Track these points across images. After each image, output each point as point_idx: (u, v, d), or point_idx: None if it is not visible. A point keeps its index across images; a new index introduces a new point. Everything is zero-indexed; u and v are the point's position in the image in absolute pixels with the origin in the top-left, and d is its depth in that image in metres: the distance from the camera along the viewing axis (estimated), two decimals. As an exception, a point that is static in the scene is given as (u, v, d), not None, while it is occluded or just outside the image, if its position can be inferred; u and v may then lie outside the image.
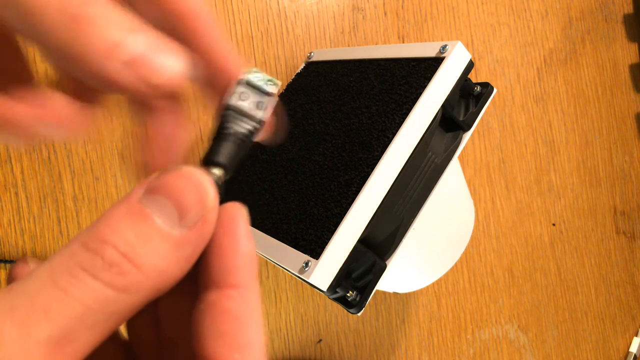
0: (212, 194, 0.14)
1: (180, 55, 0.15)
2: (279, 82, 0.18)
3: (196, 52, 0.17)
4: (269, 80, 0.18)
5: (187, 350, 0.16)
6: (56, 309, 0.12)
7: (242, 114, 0.17)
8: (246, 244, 0.15)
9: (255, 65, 0.49)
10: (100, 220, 0.13)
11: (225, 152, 0.17)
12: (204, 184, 0.14)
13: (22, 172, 0.42)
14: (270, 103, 0.18)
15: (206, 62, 0.17)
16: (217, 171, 0.17)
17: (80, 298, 0.12)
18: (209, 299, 0.14)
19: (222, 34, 0.17)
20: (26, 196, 0.42)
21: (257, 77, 0.18)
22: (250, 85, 0.18)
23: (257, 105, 0.18)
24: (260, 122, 0.18)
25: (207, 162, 0.17)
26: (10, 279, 0.16)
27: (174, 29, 0.16)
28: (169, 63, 0.14)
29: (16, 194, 0.42)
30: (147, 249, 0.13)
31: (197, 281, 0.15)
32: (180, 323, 0.16)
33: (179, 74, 0.15)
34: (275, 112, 0.18)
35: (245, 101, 0.17)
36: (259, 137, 0.18)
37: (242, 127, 0.17)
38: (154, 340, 0.17)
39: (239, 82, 0.18)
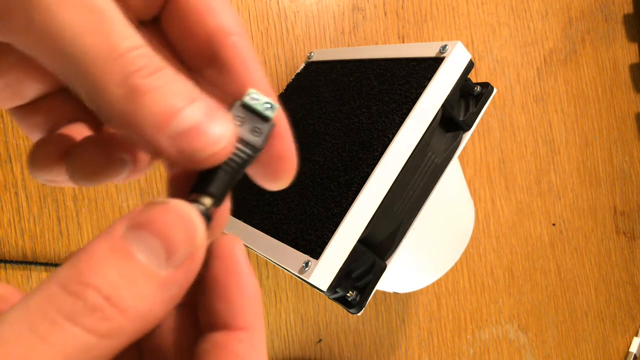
0: (201, 231, 0.14)
1: (228, 122, 0.15)
2: (278, 106, 0.16)
3: (223, 73, 0.16)
4: (266, 103, 0.16)
5: None
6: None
7: (237, 140, 0.16)
8: (252, 284, 0.14)
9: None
10: (80, 258, 0.12)
11: (217, 180, 0.15)
12: (194, 220, 0.13)
13: (22, 172, 0.42)
14: (268, 130, 0.16)
15: (233, 84, 0.17)
16: (206, 201, 0.15)
17: (60, 347, 0.11)
18: (216, 340, 0.14)
19: (253, 56, 0.17)
20: (26, 196, 0.42)
21: (255, 100, 0.16)
22: (247, 108, 0.16)
23: (253, 131, 0.16)
24: (256, 150, 0.16)
25: (197, 190, 0.15)
26: None
27: (206, 49, 0.16)
28: (220, 132, 0.14)
29: (16, 194, 0.42)
30: (132, 290, 0.12)
31: (184, 312, 0.15)
32: (166, 354, 0.15)
33: (229, 141, 0.14)
34: (283, 144, 0.17)
35: (240, 126, 0.16)
36: (264, 179, 0.17)
37: (236, 154, 0.16)
38: None
39: (235, 105, 0.16)
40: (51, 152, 0.18)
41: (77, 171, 0.17)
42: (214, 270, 0.14)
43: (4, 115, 0.42)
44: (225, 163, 0.15)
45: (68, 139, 0.18)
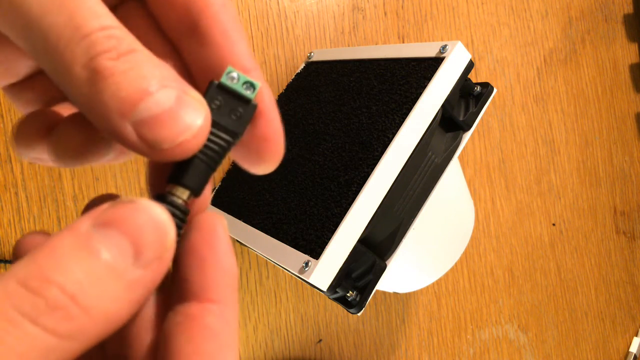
0: (172, 233, 0.13)
1: (201, 108, 0.14)
2: (259, 84, 0.15)
3: (203, 45, 0.15)
4: (246, 83, 0.15)
5: None
6: None
7: (213, 124, 0.14)
8: (229, 259, 0.14)
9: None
10: (41, 252, 0.11)
11: (193, 171, 0.14)
12: (164, 222, 0.13)
13: (22, 172, 0.42)
14: (249, 112, 0.15)
15: (214, 57, 0.15)
16: (182, 193, 0.14)
17: (17, 348, 0.10)
18: (188, 312, 0.13)
19: (237, 27, 0.15)
20: (26, 196, 0.42)
21: (234, 79, 0.15)
22: (224, 89, 0.15)
23: (231, 114, 0.14)
24: (235, 135, 0.15)
25: (173, 181, 0.14)
26: (16, 256, 0.15)
27: (186, 18, 0.15)
28: (190, 120, 0.13)
29: (16, 194, 0.42)
30: (97, 290, 0.11)
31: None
32: (129, 340, 0.15)
33: (200, 130, 0.13)
34: (269, 124, 0.15)
35: (217, 110, 0.14)
36: (247, 161, 0.16)
37: (213, 141, 0.14)
38: None
39: (211, 86, 0.15)
40: (34, 128, 0.17)
41: (58, 149, 0.16)
42: (192, 242, 0.14)
43: (4, 115, 0.42)
44: (201, 152, 0.14)
45: (54, 115, 0.17)
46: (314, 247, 0.31)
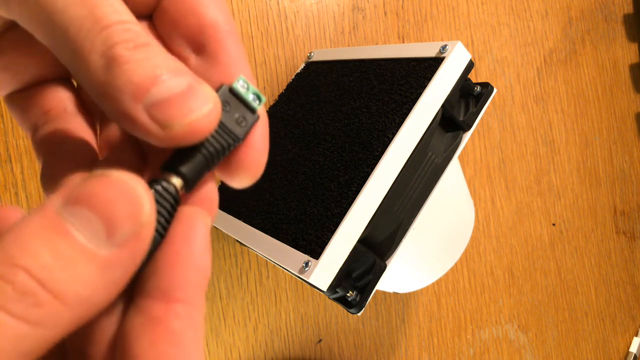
0: (148, 206, 0.12)
1: (214, 97, 0.14)
2: (265, 98, 0.16)
3: (210, 63, 0.16)
4: (254, 94, 0.16)
5: None
6: None
7: (219, 125, 0.15)
8: (203, 258, 0.13)
9: (255, 65, 0.49)
10: (7, 237, 0.11)
11: (191, 161, 0.14)
12: (139, 193, 0.12)
13: (22, 172, 0.42)
14: (252, 122, 0.15)
15: (219, 74, 0.16)
16: (176, 181, 0.14)
17: None
18: (152, 313, 0.12)
19: (242, 54, 0.16)
20: (26, 196, 0.42)
21: (244, 88, 0.15)
22: (234, 94, 0.15)
23: (236, 119, 0.15)
24: (237, 139, 0.15)
25: (168, 168, 0.14)
26: None
27: (195, 41, 0.16)
28: (203, 103, 0.14)
29: (16, 194, 0.42)
30: (68, 273, 0.11)
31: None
32: (90, 332, 0.14)
33: (212, 116, 0.14)
34: (257, 141, 0.16)
35: (226, 112, 0.15)
36: (223, 172, 0.16)
37: (216, 139, 0.14)
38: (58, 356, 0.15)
39: (222, 88, 0.15)
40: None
41: None
42: (169, 233, 0.13)
43: (4, 115, 0.42)
44: (203, 145, 0.14)
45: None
46: (314, 247, 0.31)
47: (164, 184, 0.14)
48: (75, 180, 0.12)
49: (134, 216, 0.12)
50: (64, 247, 0.11)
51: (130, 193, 0.12)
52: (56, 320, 0.11)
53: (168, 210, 0.14)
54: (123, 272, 0.12)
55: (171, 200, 0.14)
